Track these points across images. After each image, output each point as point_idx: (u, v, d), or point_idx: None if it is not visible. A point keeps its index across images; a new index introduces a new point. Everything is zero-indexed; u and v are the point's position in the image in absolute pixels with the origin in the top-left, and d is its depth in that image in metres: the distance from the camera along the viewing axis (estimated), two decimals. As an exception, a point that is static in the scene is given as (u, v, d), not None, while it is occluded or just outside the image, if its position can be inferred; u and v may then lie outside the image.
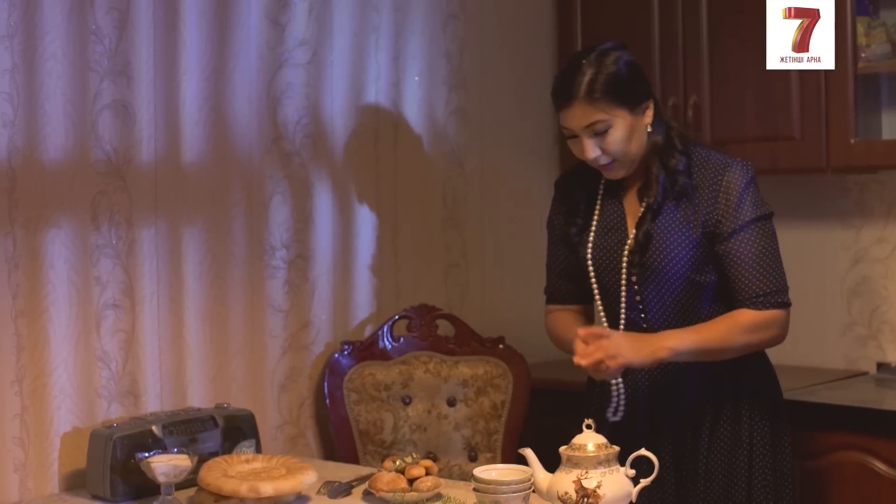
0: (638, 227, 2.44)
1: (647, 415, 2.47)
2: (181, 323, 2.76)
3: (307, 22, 3.03)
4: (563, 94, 2.38)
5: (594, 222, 2.51)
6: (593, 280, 2.50)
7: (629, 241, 2.45)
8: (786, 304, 2.40)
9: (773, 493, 2.46)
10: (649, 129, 2.42)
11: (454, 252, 3.48)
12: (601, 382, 2.48)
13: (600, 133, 2.36)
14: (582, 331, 2.34)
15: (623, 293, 2.46)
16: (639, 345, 2.33)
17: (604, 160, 2.40)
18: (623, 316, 2.47)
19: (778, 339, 2.43)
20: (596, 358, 2.29)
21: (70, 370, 2.54)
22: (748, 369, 2.48)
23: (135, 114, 2.64)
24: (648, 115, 2.42)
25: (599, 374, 2.34)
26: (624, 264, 2.45)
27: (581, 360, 2.31)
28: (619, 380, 2.44)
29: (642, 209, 2.45)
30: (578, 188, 2.55)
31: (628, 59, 2.41)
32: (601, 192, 2.52)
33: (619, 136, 2.37)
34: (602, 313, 2.52)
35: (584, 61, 2.37)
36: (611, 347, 2.30)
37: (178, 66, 2.73)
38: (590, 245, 2.49)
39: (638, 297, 2.45)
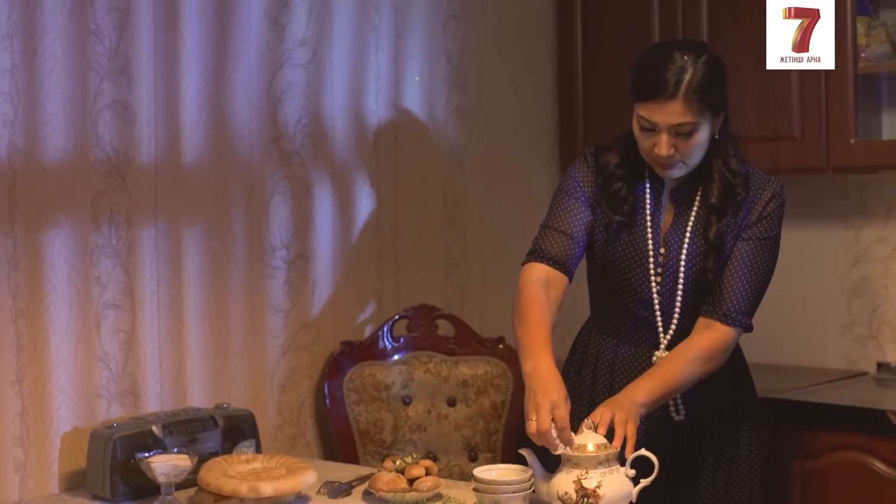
0: (706, 227, 2.40)
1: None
2: (181, 323, 2.76)
3: (307, 22, 3.03)
4: (658, 88, 2.27)
5: (647, 219, 2.44)
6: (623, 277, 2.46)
7: (660, 241, 2.43)
8: (745, 326, 2.38)
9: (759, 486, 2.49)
10: (716, 136, 2.38)
11: (454, 252, 3.48)
12: (580, 369, 2.55)
13: (684, 134, 2.30)
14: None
15: (655, 293, 2.44)
16: (624, 404, 2.24)
17: (673, 159, 2.34)
18: (660, 318, 2.44)
19: (723, 363, 2.39)
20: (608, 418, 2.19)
21: (70, 370, 2.54)
22: (733, 370, 2.48)
23: (135, 114, 2.64)
24: (719, 122, 2.38)
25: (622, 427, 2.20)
26: (651, 264, 2.42)
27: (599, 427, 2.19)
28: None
29: (695, 210, 2.41)
30: (621, 176, 2.45)
31: (717, 60, 2.35)
32: (648, 186, 2.44)
33: (700, 140, 2.32)
34: (658, 314, 2.44)
35: (685, 57, 2.29)
36: (616, 413, 2.19)
37: (179, 66, 2.73)
38: (649, 240, 2.42)
39: (657, 298, 2.44)
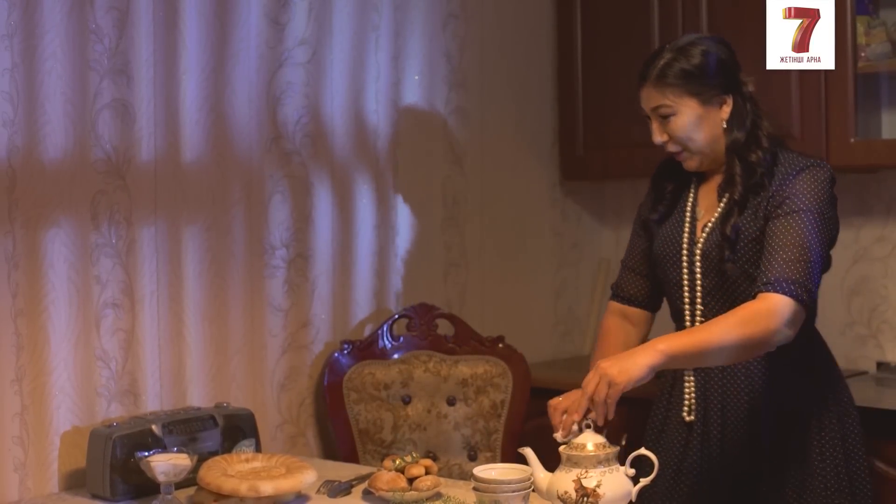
0: (724, 221, 2.39)
1: (718, 417, 2.44)
2: (181, 322, 2.76)
3: (307, 21, 3.03)
4: (639, 75, 2.41)
5: (686, 214, 2.49)
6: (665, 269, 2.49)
7: (699, 234, 2.44)
8: (794, 295, 2.24)
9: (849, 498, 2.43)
10: (724, 125, 2.41)
11: (454, 251, 3.48)
12: (672, 385, 2.51)
13: (665, 117, 2.38)
14: (552, 402, 2.24)
15: (686, 286, 2.46)
16: (621, 357, 2.17)
17: (672, 147, 2.42)
18: (687, 311, 2.46)
19: (776, 334, 2.24)
20: (588, 393, 2.14)
21: (70, 369, 2.54)
22: (817, 375, 2.46)
23: (134, 113, 2.64)
24: (725, 111, 2.40)
25: (600, 406, 2.13)
26: (684, 256, 2.45)
27: (567, 422, 2.18)
28: (691, 378, 2.46)
29: (722, 205, 2.41)
30: (669, 177, 2.55)
31: (715, 51, 2.40)
32: (693, 184, 2.52)
33: (681, 123, 2.38)
34: (686, 307, 2.46)
35: (667, 46, 2.41)
36: (591, 378, 2.15)
37: (178, 65, 2.73)
38: (685, 234, 2.46)
39: (699, 290, 2.44)
